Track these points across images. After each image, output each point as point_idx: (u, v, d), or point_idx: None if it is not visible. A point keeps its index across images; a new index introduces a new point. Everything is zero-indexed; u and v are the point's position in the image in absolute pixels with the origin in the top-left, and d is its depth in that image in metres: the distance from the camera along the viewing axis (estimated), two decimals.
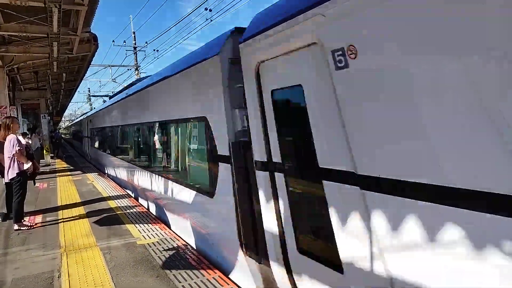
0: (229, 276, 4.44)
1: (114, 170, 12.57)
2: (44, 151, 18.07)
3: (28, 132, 13.27)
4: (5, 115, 12.21)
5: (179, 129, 6.19)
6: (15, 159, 6.14)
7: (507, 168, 1.74)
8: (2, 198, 7.56)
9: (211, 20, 14.92)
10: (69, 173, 14.34)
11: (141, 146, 8.87)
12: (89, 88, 56.59)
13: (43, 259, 4.84)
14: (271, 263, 3.71)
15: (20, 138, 6.74)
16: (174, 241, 5.40)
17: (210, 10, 14.67)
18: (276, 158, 3.48)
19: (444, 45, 1.92)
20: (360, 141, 2.47)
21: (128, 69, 28.05)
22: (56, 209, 7.75)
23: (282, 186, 3.44)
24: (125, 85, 15.22)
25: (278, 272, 3.63)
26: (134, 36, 26.86)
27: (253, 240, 4.11)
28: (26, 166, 6.23)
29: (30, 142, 7.12)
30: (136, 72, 26.91)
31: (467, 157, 1.89)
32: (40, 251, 5.16)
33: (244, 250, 4.22)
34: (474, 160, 1.87)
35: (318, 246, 3.20)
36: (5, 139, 6.22)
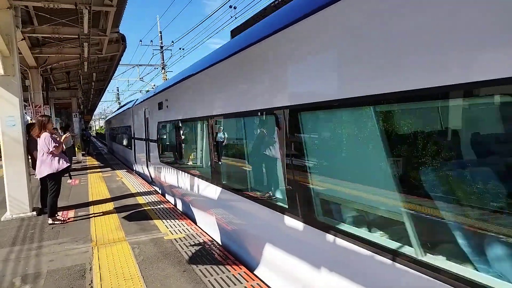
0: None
1: (112, 146, 26.28)
2: (76, 148, 18.72)
3: (57, 128, 13.75)
4: (40, 113, 12.73)
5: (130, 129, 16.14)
6: (51, 157, 6.38)
7: None
8: (37, 194, 7.89)
9: (236, 18, 14.97)
10: (99, 170, 14.80)
11: (119, 134, 21.21)
12: (117, 87, 58.35)
13: (75, 252, 5.03)
14: (151, 173, 11.92)
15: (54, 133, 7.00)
16: (200, 237, 5.47)
17: (235, 8, 14.71)
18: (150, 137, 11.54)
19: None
20: (158, 132, 10.32)
21: (155, 68, 28.62)
22: (88, 204, 8.03)
23: (150, 145, 11.57)
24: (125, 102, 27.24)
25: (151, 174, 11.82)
26: (161, 36, 27.37)
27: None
28: (63, 138, 6.85)
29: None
30: (163, 70, 27.40)
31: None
32: (72, 244, 5.36)
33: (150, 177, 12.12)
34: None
35: (153, 158, 11.18)
36: (39, 137, 6.48)
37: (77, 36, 10.70)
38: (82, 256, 4.85)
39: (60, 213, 7.01)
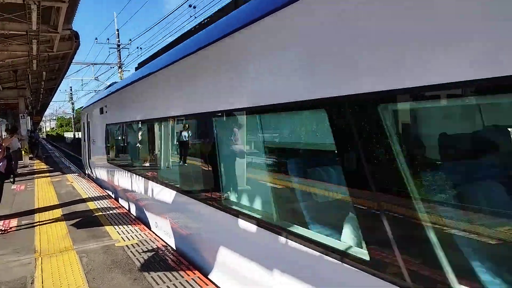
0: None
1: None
2: (23, 151, 17.60)
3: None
4: None
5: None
6: None
7: None
8: None
9: (195, 17, 14.84)
10: (48, 174, 14.02)
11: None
12: (71, 87, 55.45)
13: (16, 264, 4.69)
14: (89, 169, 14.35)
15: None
16: (153, 242, 5.31)
17: (194, 7, 14.60)
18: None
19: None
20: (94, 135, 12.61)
21: (111, 67, 27.68)
22: (33, 212, 7.54)
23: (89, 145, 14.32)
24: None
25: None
26: (118, 34, 26.51)
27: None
28: (6, 142, 6.28)
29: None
30: (120, 70, 26.54)
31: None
32: (13, 256, 4.99)
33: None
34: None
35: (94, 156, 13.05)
36: None
37: (25, 33, 10.08)
38: (23, 269, 4.53)
39: (1, 223, 6.54)
